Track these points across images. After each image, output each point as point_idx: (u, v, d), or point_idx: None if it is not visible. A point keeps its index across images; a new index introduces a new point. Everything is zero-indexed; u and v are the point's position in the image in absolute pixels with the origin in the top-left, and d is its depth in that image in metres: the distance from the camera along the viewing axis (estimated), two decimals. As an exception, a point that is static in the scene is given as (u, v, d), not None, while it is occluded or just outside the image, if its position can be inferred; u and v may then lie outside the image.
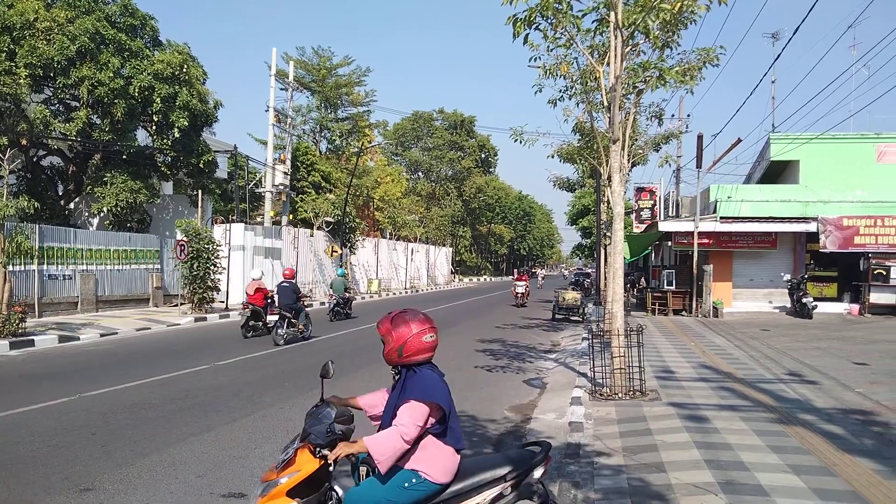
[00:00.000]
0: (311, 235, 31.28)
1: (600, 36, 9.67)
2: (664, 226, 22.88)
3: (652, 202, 29.05)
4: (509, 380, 10.47)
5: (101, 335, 15.02)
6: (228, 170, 31.48)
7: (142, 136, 24.64)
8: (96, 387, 9.03)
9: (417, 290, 43.78)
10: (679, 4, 7.75)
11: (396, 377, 3.45)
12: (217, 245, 20.57)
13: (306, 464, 3.31)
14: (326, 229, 33.11)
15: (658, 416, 7.27)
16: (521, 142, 12.05)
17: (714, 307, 20.45)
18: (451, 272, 60.66)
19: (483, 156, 72.45)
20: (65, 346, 13.67)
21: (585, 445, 6.25)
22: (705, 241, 21.42)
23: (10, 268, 14.58)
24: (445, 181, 68.18)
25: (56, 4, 20.08)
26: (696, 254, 21.32)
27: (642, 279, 29.17)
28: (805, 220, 20.59)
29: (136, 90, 20.42)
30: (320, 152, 45.77)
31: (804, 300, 19.58)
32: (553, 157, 14.37)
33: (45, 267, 18.08)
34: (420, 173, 68.51)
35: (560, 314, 20.93)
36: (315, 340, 14.81)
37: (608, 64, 8.61)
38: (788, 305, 20.71)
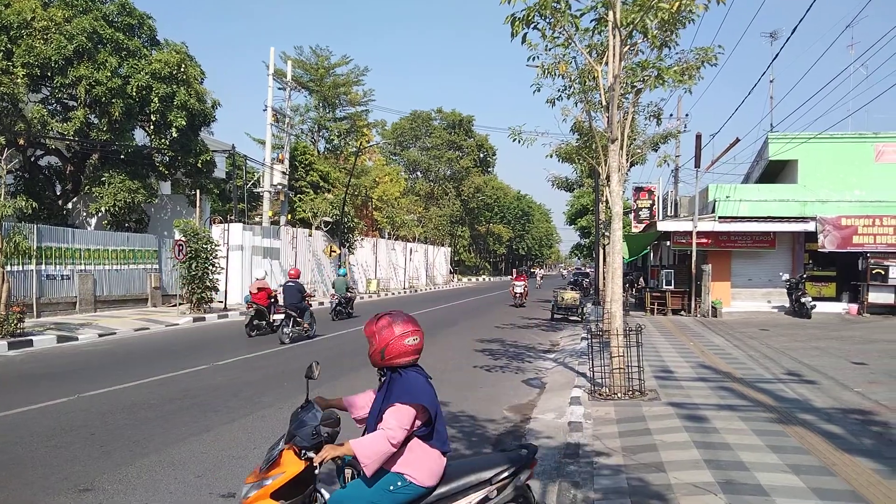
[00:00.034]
0: (310, 235, 31.26)
1: (598, 35, 9.66)
2: (663, 225, 22.91)
3: (650, 202, 29.10)
4: (508, 380, 10.46)
5: (100, 335, 15.00)
6: (226, 169, 31.42)
7: (140, 136, 24.60)
8: (95, 387, 9.02)
9: (416, 290, 43.77)
10: (677, 4, 7.74)
11: (382, 379, 3.44)
12: (215, 245, 20.53)
13: (291, 465, 3.28)
14: (325, 229, 33.07)
15: (657, 416, 7.28)
16: (519, 141, 12.06)
17: (713, 307, 20.47)
18: (450, 272, 60.66)
19: (481, 155, 72.40)
20: (63, 346, 13.65)
21: (585, 445, 6.25)
22: (704, 240, 21.44)
23: (8, 268, 14.56)
24: (444, 181, 68.13)
25: (53, 4, 20.05)
26: (694, 253, 21.33)
27: (641, 279, 29.18)
28: (803, 219, 20.63)
29: (134, 90, 20.40)
30: (318, 152, 45.69)
31: (803, 300, 19.61)
32: (551, 156, 14.40)
33: (43, 267, 18.03)
34: (418, 173, 68.43)
35: (559, 314, 20.94)
36: (318, 339, 15.01)
37: (606, 63, 8.61)
38: (787, 305, 20.73)
